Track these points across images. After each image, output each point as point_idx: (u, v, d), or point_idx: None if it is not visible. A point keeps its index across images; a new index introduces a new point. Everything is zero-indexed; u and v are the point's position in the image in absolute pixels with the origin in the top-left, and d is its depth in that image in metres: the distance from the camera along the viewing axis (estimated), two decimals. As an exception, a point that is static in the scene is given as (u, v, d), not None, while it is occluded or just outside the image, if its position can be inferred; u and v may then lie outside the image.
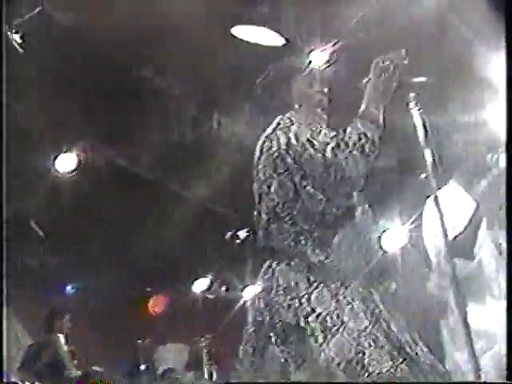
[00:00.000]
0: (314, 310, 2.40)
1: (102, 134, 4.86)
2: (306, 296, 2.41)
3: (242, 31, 3.99)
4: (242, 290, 5.81)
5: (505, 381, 2.58)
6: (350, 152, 2.39)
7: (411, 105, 2.29)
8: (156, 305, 6.53)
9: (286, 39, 3.86)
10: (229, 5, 4.01)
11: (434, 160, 2.23)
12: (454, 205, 3.09)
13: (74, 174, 5.01)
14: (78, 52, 4.20)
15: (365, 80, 2.48)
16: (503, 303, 2.92)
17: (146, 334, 6.09)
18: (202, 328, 6.02)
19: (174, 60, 4.45)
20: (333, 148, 2.41)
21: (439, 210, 2.30)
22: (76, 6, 3.95)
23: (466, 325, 2.30)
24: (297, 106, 2.60)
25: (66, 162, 4.97)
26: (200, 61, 4.47)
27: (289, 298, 2.44)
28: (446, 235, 2.32)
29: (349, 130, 2.44)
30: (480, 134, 3.25)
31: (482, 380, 2.41)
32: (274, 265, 2.50)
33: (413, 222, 3.21)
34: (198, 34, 4.29)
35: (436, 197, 2.30)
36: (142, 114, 4.83)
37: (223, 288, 5.88)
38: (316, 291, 2.42)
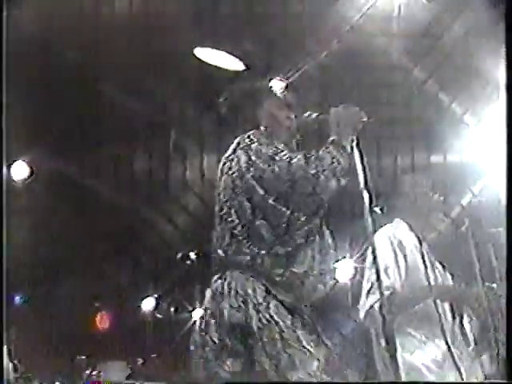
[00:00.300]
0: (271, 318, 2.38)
1: (54, 145, 4.83)
2: (265, 304, 2.38)
3: (203, 53, 3.99)
4: (191, 312, 5.80)
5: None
6: (323, 170, 2.38)
7: (353, 145, 2.28)
8: (102, 321, 6.45)
9: (246, 65, 3.87)
10: (193, 25, 4.03)
11: (370, 199, 2.22)
12: (395, 242, 3.11)
13: (26, 181, 5.00)
14: (36, 63, 4.16)
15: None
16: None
17: (89, 350, 6.00)
18: (147, 347, 5.96)
19: (133, 75, 4.44)
20: (302, 164, 2.39)
21: (373, 249, 2.30)
22: (34, 17, 3.92)
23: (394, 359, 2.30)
24: (263, 128, 2.58)
25: (18, 170, 4.97)
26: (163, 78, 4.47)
27: (241, 300, 2.41)
28: (377, 274, 2.32)
29: (321, 152, 2.43)
30: (427, 175, 3.28)
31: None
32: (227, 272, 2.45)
33: (360, 256, 3.21)
34: (161, 50, 4.29)
35: (373, 234, 2.31)
36: (96, 127, 4.80)
37: (172, 308, 5.83)
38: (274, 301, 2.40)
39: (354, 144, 2.32)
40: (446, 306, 3.12)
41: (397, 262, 3.12)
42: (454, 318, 3.12)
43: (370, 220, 2.23)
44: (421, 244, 3.16)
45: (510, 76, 2.65)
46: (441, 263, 3.19)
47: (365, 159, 2.27)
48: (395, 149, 3.83)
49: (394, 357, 2.30)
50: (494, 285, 3.19)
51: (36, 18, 4.01)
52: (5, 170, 4.75)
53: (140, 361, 5.68)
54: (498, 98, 4.01)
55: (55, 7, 4.04)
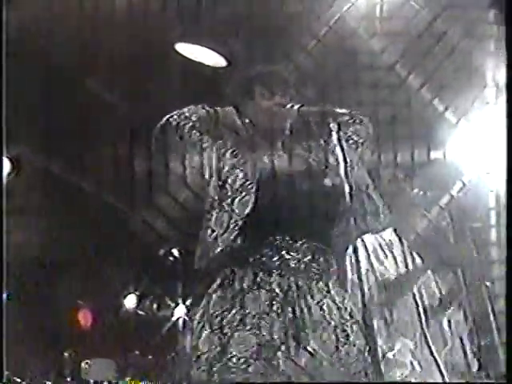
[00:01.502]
0: None
1: (39, 142, 4.79)
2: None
3: (185, 48, 3.97)
4: (174, 308, 5.78)
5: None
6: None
7: (333, 135, 2.26)
8: (85, 318, 6.42)
9: (228, 61, 3.86)
10: (174, 22, 4.01)
11: (351, 195, 2.21)
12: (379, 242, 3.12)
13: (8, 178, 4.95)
14: (25, 61, 4.14)
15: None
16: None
17: (73, 347, 5.98)
18: (131, 344, 5.94)
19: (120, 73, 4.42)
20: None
21: (355, 251, 2.28)
22: (22, 15, 3.89)
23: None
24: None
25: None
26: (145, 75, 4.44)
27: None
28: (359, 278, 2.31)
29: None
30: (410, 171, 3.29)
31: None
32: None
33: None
34: (143, 47, 4.27)
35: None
36: (85, 125, 4.78)
37: (154, 305, 5.82)
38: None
39: (335, 131, 2.30)
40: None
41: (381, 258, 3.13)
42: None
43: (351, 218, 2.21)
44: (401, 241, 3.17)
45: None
46: (420, 257, 3.21)
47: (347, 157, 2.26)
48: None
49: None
50: (477, 282, 3.22)
51: (20, 18, 3.99)
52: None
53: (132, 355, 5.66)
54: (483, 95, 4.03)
55: (42, 8, 4.02)
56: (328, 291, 2.45)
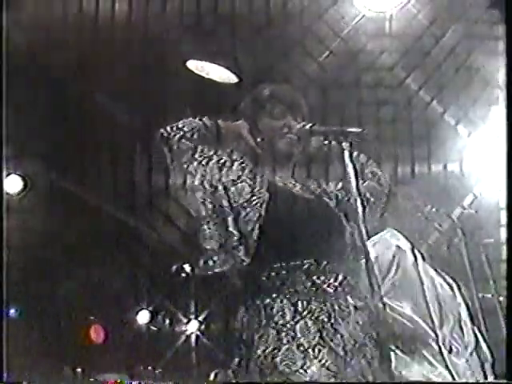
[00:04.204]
0: None
1: (49, 156, 4.82)
2: None
3: (196, 65, 4.00)
4: (187, 324, 5.79)
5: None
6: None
7: (345, 154, 2.27)
8: (96, 334, 6.42)
9: (239, 77, 3.87)
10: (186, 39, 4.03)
11: (364, 208, 2.22)
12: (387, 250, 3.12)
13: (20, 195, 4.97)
14: (30, 74, 4.16)
15: None
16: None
17: (85, 362, 5.98)
18: (143, 360, 5.93)
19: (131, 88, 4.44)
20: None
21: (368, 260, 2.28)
22: (26, 28, 3.92)
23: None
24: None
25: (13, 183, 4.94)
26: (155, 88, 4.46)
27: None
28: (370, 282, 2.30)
29: None
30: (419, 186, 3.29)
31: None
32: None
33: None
34: (155, 63, 4.29)
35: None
36: (92, 139, 4.80)
37: (167, 321, 5.82)
38: None
39: (347, 150, 2.30)
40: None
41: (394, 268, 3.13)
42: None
43: (363, 228, 2.22)
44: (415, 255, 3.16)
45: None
46: (436, 270, 3.20)
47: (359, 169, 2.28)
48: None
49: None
50: (489, 295, 3.21)
51: (18, 27, 4.01)
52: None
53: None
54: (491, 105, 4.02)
55: (39, 15, 4.05)
56: (355, 307, 2.44)
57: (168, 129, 2.48)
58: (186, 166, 2.44)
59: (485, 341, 3.14)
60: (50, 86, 4.31)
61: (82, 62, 4.12)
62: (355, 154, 2.35)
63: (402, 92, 3.99)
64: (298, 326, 2.34)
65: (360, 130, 2.32)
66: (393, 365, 2.30)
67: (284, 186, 2.52)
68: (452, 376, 2.94)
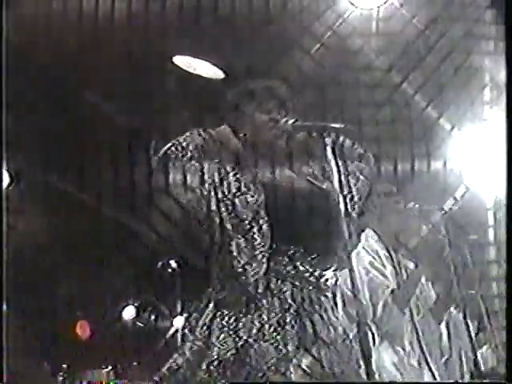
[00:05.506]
0: None
1: (38, 154, 4.80)
2: None
3: (182, 61, 3.99)
4: (172, 319, 5.78)
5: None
6: None
7: (328, 149, 2.28)
8: (82, 330, 6.40)
9: (226, 73, 3.87)
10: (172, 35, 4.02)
11: (346, 207, 2.23)
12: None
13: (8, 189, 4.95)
14: (24, 72, 4.15)
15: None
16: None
17: (71, 358, 5.97)
18: (129, 355, 5.93)
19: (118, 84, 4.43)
20: None
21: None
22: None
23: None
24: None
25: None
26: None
27: None
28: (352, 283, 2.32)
29: None
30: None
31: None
32: None
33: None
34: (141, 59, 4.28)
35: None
36: (84, 138, 4.78)
37: (152, 316, 5.81)
38: None
39: (329, 145, 2.32)
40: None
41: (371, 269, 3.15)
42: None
43: (345, 226, 2.23)
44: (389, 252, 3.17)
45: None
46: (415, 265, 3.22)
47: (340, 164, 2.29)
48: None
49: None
50: (473, 291, 3.23)
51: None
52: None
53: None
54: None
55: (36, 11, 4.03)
56: (335, 303, 2.49)
57: (173, 149, 2.49)
58: (198, 190, 2.47)
59: (468, 337, 3.16)
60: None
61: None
62: (339, 148, 2.37)
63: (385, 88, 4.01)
64: (264, 301, 2.41)
65: (343, 125, 2.33)
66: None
67: (280, 182, 2.54)
68: (432, 373, 2.96)
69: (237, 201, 2.46)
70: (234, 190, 2.44)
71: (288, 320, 2.41)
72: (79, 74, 4.30)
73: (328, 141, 2.29)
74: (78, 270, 5.63)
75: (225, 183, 2.46)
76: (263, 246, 2.41)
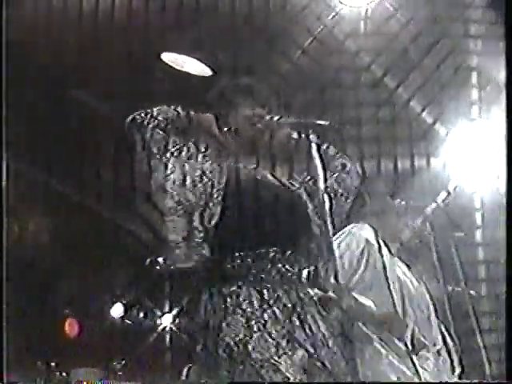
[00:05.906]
0: None
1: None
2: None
3: (170, 58, 4.00)
4: (161, 317, 5.78)
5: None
6: None
7: (313, 146, 2.29)
8: (71, 327, 6.39)
9: (214, 71, 3.87)
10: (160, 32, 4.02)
11: (330, 204, 2.24)
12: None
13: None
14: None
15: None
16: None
17: (59, 356, 5.95)
18: (118, 353, 5.92)
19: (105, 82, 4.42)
20: None
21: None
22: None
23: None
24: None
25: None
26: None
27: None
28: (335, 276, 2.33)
29: None
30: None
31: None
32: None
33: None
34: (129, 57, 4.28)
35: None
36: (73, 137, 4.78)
37: (141, 314, 5.81)
38: None
39: (315, 142, 2.32)
40: None
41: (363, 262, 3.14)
42: None
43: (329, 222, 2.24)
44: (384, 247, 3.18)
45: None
46: (406, 264, 3.22)
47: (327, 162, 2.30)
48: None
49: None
50: (459, 288, 3.24)
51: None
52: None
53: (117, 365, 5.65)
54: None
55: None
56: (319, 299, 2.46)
57: (142, 115, 2.47)
58: (158, 156, 2.44)
59: (454, 335, 3.16)
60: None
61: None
62: (324, 146, 2.37)
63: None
64: (265, 315, 2.37)
65: (328, 122, 2.33)
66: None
67: (250, 177, 2.53)
68: (417, 372, 2.96)
69: (200, 184, 2.43)
70: (198, 172, 2.42)
71: (281, 319, 2.39)
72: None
73: (313, 138, 2.29)
74: (66, 268, 5.62)
75: (192, 161, 2.43)
76: (205, 233, 2.38)
